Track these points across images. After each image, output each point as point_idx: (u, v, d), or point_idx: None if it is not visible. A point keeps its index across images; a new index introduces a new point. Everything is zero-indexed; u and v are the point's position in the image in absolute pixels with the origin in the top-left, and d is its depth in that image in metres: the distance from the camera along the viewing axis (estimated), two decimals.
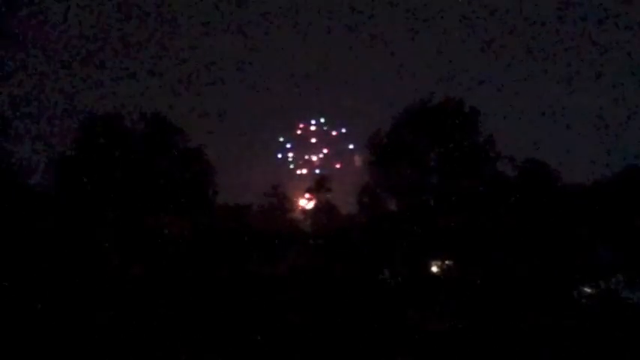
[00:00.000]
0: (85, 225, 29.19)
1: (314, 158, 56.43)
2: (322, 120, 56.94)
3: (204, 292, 27.27)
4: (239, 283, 29.43)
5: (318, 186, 45.84)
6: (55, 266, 26.09)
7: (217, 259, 30.98)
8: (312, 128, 56.90)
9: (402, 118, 38.88)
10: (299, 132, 56.96)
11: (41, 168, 31.96)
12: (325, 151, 56.56)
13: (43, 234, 26.94)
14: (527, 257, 31.90)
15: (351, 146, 55.31)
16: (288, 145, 56.52)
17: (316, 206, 44.25)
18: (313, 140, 56.76)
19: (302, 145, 56.65)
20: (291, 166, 56.55)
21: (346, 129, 56.62)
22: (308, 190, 45.50)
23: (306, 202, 44.99)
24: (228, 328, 22.57)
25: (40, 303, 22.47)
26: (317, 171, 55.01)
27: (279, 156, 55.95)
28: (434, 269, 37.12)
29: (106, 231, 29.69)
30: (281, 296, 28.41)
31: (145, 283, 26.71)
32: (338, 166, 55.39)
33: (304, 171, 56.12)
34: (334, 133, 56.86)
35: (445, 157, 38.00)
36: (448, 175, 37.49)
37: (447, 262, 37.03)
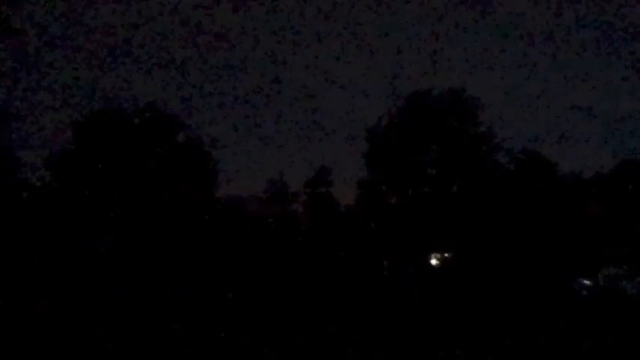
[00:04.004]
0: (85, 219, 29.31)
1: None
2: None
3: (204, 283, 27.27)
4: (239, 274, 29.42)
5: (319, 178, 45.68)
6: (55, 261, 26.21)
7: (217, 250, 30.98)
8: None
9: (403, 109, 38.66)
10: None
11: (40, 163, 32.16)
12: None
13: (43, 228, 27.10)
14: (525, 249, 31.80)
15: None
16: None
17: (316, 198, 44.08)
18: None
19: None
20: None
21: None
22: (309, 183, 45.36)
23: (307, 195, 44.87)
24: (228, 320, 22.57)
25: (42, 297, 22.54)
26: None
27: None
28: (433, 262, 37.12)
29: (106, 223, 29.79)
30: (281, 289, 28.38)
31: (142, 276, 26.74)
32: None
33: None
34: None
35: (445, 148, 37.75)
36: (447, 167, 37.29)
37: (446, 254, 37.00)
